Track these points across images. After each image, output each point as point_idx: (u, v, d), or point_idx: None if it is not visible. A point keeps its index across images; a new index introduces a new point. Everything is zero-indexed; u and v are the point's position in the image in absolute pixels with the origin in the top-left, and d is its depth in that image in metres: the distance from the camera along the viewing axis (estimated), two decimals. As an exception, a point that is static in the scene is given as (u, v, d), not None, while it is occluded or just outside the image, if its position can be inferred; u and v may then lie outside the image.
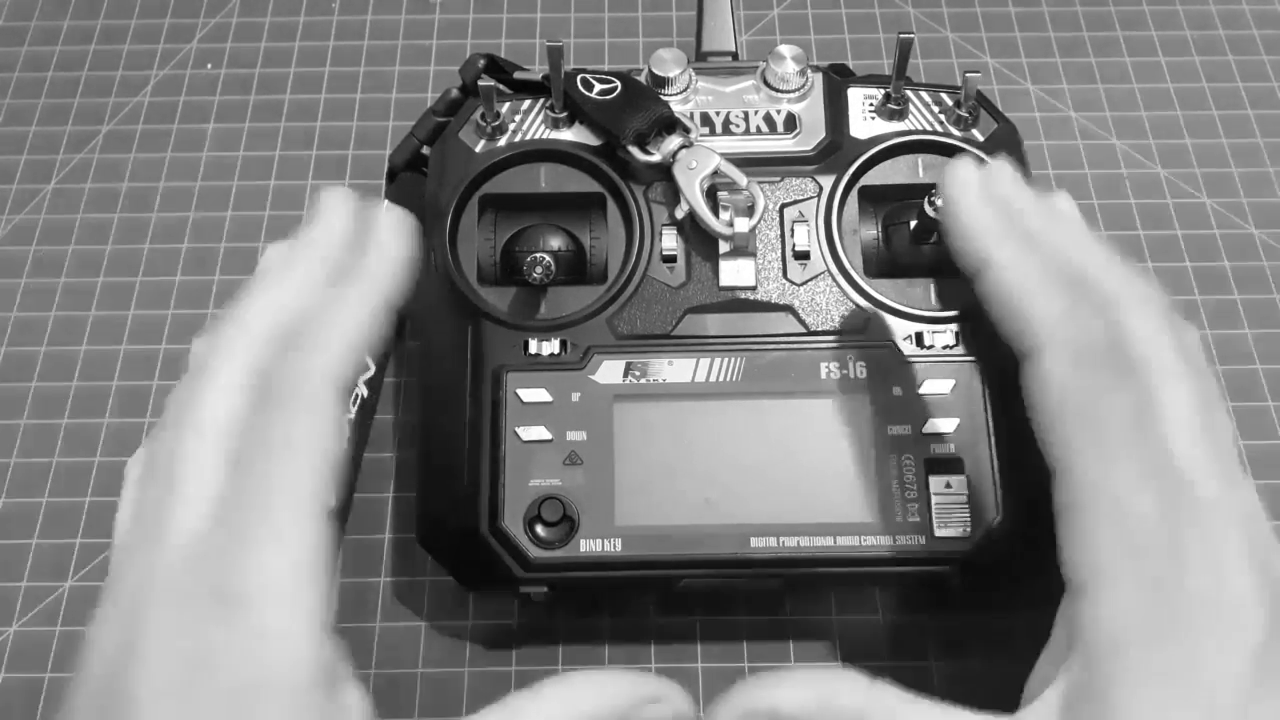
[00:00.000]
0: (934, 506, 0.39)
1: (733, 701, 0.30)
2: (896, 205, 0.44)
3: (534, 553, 0.39)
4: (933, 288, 0.43)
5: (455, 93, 0.47)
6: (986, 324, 0.33)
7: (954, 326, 0.42)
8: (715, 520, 0.39)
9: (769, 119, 0.45)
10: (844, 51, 0.59)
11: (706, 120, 0.45)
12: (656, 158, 0.43)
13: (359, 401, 0.46)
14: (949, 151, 0.44)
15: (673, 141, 0.43)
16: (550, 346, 0.41)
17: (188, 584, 0.25)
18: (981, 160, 0.35)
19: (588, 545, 0.39)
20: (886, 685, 0.30)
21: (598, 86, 0.44)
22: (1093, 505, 0.28)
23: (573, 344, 0.41)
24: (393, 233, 0.31)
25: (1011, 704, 0.43)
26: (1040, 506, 0.39)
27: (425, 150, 0.48)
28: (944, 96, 0.45)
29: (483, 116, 0.44)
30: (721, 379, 0.41)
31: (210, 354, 0.28)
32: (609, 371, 0.41)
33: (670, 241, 0.43)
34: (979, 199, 0.33)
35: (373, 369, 0.47)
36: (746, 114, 0.45)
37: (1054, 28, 0.59)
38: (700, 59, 0.50)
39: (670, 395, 0.41)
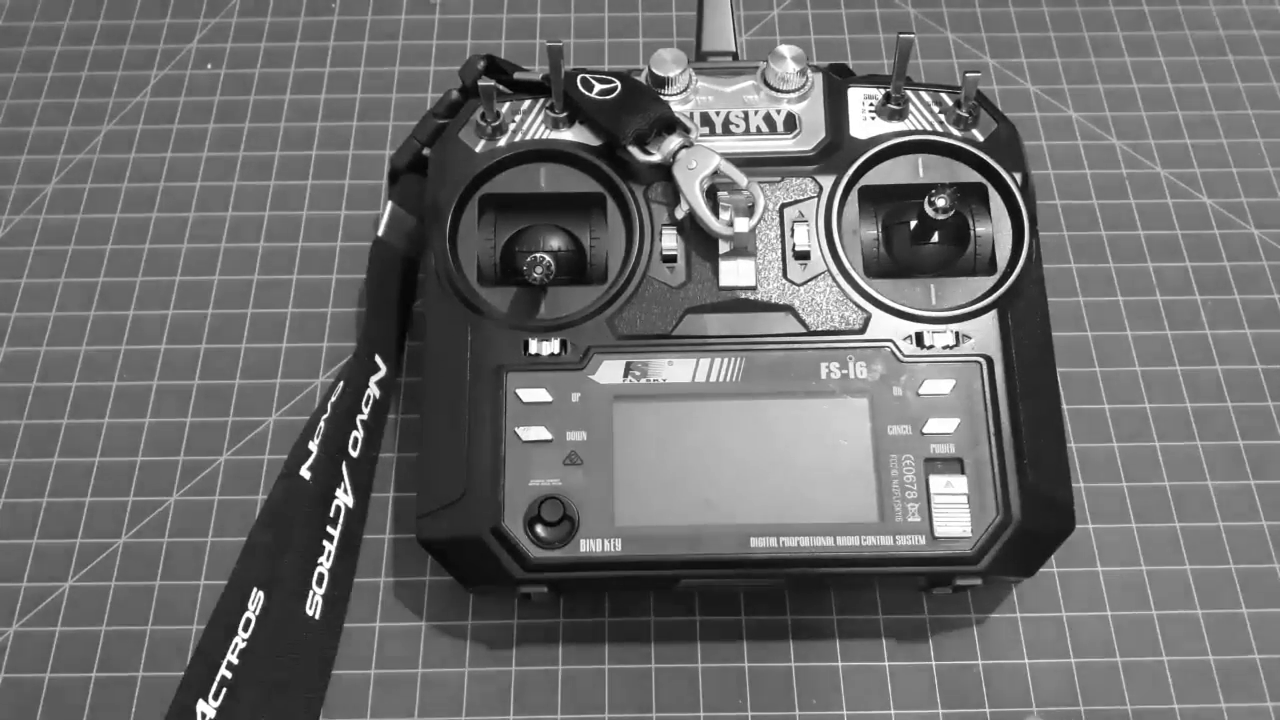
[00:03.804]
0: (934, 506, 0.39)
1: None
2: (896, 205, 0.44)
3: (534, 553, 0.39)
4: (933, 288, 0.43)
5: (455, 95, 0.47)
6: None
7: (954, 326, 0.42)
8: (715, 520, 0.39)
9: (769, 119, 0.45)
10: (844, 51, 0.58)
11: (706, 120, 0.45)
12: (656, 158, 0.43)
13: (371, 403, 0.46)
14: (949, 152, 0.44)
15: (673, 141, 0.43)
16: (550, 346, 0.41)
17: None
18: None
19: (588, 545, 0.39)
20: None
21: (598, 86, 0.44)
22: None
23: (573, 344, 0.41)
24: None
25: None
26: (1041, 505, 0.40)
27: (426, 152, 0.48)
28: (944, 96, 0.45)
29: (483, 117, 0.44)
30: (721, 379, 0.41)
31: None
32: (609, 371, 0.41)
33: (670, 241, 0.43)
34: None
35: (384, 370, 0.47)
36: (746, 114, 0.45)
37: (1054, 28, 0.59)
38: (700, 59, 0.50)
39: (670, 395, 0.41)
